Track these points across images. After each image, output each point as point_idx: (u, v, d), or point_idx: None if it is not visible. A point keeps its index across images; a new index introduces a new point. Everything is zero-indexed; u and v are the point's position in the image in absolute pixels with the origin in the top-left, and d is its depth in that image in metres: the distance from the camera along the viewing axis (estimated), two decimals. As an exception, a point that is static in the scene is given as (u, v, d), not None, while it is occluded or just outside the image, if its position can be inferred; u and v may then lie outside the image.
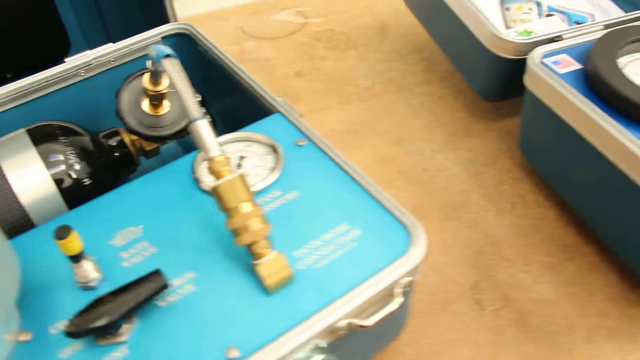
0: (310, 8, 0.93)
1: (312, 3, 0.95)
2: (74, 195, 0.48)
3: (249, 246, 0.36)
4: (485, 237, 0.57)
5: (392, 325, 0.44)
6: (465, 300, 0.52)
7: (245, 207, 0.35)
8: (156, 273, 0.35)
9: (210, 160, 0.36)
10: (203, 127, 0.36)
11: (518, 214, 0.59)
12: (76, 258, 0.36)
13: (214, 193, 0.36)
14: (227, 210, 0.35)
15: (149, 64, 0.45)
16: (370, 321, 0.36)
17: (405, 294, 0.38)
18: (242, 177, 0.35)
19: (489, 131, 0.69)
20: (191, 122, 0.36)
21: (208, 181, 0.42)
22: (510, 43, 0.58)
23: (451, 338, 0.49)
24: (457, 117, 0.71)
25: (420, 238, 0.38)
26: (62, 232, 0.34)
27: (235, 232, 0.35)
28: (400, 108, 0.73)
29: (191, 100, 0.36)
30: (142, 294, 0.34)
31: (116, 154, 0.53)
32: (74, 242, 0.35)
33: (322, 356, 0.35)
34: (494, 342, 0.49)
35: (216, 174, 0.35)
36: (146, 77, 0.47)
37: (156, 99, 0.49)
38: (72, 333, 0.33)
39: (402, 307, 0.40)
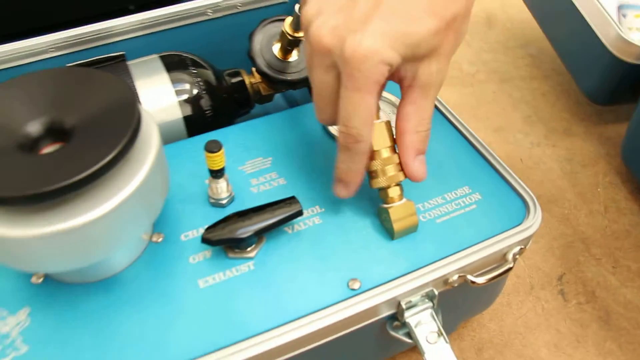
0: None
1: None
2: (194, 123, 0.51)
3: (382, 190, 0.37)
4: (575, 234, 0.58)
5: (489, 294, 0.46)
6: (550, 288, 0.53)
7: (385, 153, 0.37)
8: (292, 199, 0.37)
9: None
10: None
11: (610, 218, 0.59)
12: (218, 173, 0.38)
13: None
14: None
15: (297, 7, 0.46)
16: (482, 279, 0.37)
17: (515, 262, 0.39)
18: (388, 124, 0.37)
19: (589, 134, 0.69)
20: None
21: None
22: (636, 47, 0.58)
23: (533, 321, 0.51)
24: (558, 115, 0.71)
25: (536, 212, 0.40)
26: (213, 146, 0.36)
27: (372, 174, 0.37)
28: (502, 98, 0.74)
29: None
30: (277, 216, 0.37)
31: (235, 93, 0.56)
32: (221, 158, 0.37)
33: (431, 304, 0.37)
34: (576, 333, 0.50)
35: (365, 116, 0.37)
36: (288, 22, 0.49)
37: (291, 45, 0.51)
38: (209, 240, 0.36)
39: (502, 278, 0.41)
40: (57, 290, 0.36)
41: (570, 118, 0.71)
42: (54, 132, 0.33)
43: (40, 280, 0.36)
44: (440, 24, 0.32)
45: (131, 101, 0.33)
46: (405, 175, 0.37)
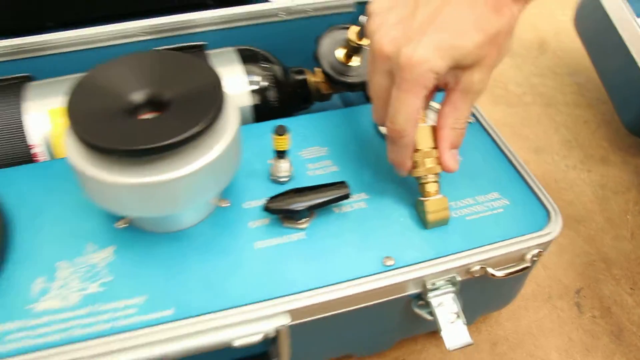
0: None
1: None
2: (261, 111, 0.57)
3: (421, 184, 0.43)
4: (598, 254, 0.62)
5: (506, 291, 0.50)
6: (567, 299, 0.57)
7: (427, 148, 0.42)
8: (342, 183, 0.43)
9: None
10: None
11: (636, 244, 0.63)
12: (282, 154, 0.44)
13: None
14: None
15: (363, 19, 0.52)
16: (500, 273, 0.42)
17: (532, 264, 0.44)
18: (432, 128, 0.42)
19: (625, 164, 0.73)
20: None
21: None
22: (674, 86, 0.62)
23: (547, 326, 0.55)
24: (597, 143, 0.75)
25: (557, 221, 0.44)
26: (281, 130, 0.43)
27: (414, 165, 0.43)
28: (544, 121, 0.78)
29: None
30: (328, 196, 0.42)
31: (298, 90, 0.62)
32: (287, 140, 0.43)
33: (454, 289, 0.42)
34: (587, 343, 0.54)
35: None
36: (353, 30, 0.55)
37: (354, 51, 0.57)
38: (269, 209, 0.42)
39: (522, 275, 0.46)
40: (138, 235, 0.43)
41: (608, 147, 0.75)
42: (153, 103, 0.40)
43: (124, 225, 0.43)
44: (484, 38, 0.37)
45: (218, 84, 0.39)
46: (441, 167, 0.42)
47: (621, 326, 0.55)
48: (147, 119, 0.39)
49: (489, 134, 0.51)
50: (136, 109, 0.40)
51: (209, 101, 0.38)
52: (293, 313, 0.39)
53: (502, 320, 0.55)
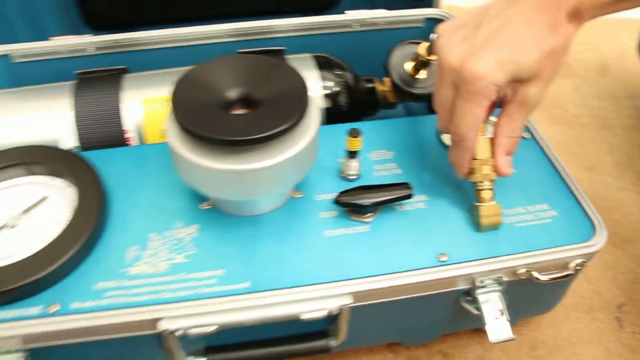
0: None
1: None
2: (331, 114, 0.63)
3: (477, 190, 0.47)
4: (642, 273, 0.65)
5: (548, 297, 0.54)
6: (608, 313, 0.60)
7: (485, 156, 0.46)
8: (406, 184, 0.48)
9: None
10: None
11: (679, 267, 0.66)
12: (354, 154, 0.49)
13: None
14: (472, 160, 0.47)
15: (433, 36, 0.57)
16: (544, 277, 0.46)
17: (575, 273, 0.48)
18: (490, 140, 0.47)
19: (676, 189, 0.75)
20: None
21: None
22: None
23: (587, 336, 0.58)
24: (650, 168, 0.78)
25: (601, 235, 0.48)
26: (355, 132, 0.48)
27: (472, 171, 0.47)
28: (599, 142, 0.81)
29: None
30: (392, 194, 0.47)
31: (367, 96, 0.67)
32: (359, 143, 0.48)
33: (500, 288, 0.46)
34: (624, 356, 0.57)
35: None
36: (423, 46, 0.59)
37: (422, 65, 0.61)
38: (339, 202, 0.47)
39: (564, 283, 0.50)
40: (220, 216, 0.49)
41: (661, 172, 0.77)
42: (245, 100, 0.45)
43: (209, 207, 0.49)
44: (541, 55, 0.41)
45: (304, 87, 0.45)
46: (496, 173, 0.46)
47: (660, 343, 0.58)
48: (240, 114, 0.44)
49: (542, 150, 0.55)
50: (230, 104, 0.45)
51: (296, 102, 0.44)
52: (355, 295, 0.44)
53: (543, 326, 0.59)
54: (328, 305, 0.43)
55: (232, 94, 0.45)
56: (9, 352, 0.42)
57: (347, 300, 0.43)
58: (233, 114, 0.44)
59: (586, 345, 0.58)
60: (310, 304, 0.43)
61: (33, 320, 0.42)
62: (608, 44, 1.02)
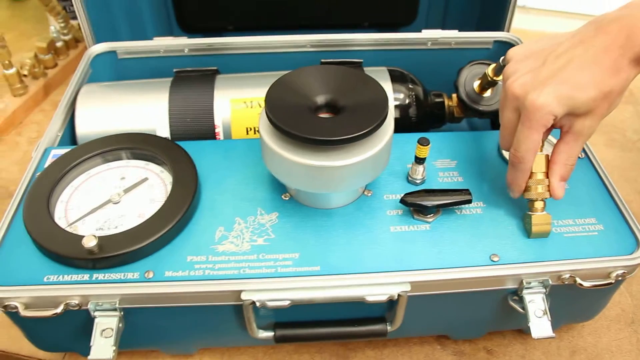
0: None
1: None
2: (401, 124, 0.68)
3: (531, 201, 0.52)
4: (685, 294, 0.68)
5: (590, 305, 0.58)
6: (648, 327, 0.64)
7: (540, 176, 0.51)
8: (466, 190, 0.53)
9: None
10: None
11: None
12: (421, 160, 0.55)
13: (525, 159, 0.53)
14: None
15: (502, 59, 0.62)
16: (587, 283, 0.51)
17: (616, 283, 0.52)
18: (547, 157, 0.52)
19: None
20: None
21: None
22: None
23: (626, 347, 0.62)
24: (703, 196, 0.81)
25: (643, 250, 0.52)
26: (424, 141, 0.54)
27: (527, 188, 0.52)
28: (655, 168, 0.84)
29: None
30: (453, 198, 0.53)
31: (435, 110, 0.72)
32: (427, 151, 0.54)
33: (545, 290, 0.51)
34: (659, 366, 0.61)
35: (532, 148, 0.52)
36: (491, 67, 0.65)
37: (489, 85, 0.66)
38: (405, 201, 0.53)
39: (606, 292, 0.54)
40: (297, 207, 0.55)
41: None
42: (331, 105, 0.52)
43: (287, 198, 0.56)
44: (599, 94, 0.46)
45: (385, 100, 0.51)
46: (550, 194, 0.51)
47: (696, 361, 0.62)
48: (325, 117, 0.51)
49: (595, 169, 0.60)
50: (317, 108, 0.52)
51: (376, 111, 0.50)
52: (413, 285, 0.49)
53: (584, 334, 0.63)
54: (389, 291, 0.49)
55: (319, 99, 0.52)
56: (109, 309, 0.49)
57: (406, 288, 0.49)
58: (319, 117, 0.51)
59: (625, 356, 0.61)
60: (374, 288, 0.49)
61: (131, 283, 0.49)
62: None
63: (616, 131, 0.90)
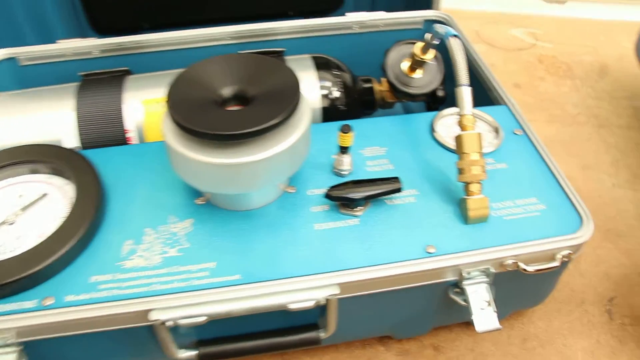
0: (543, 33, 1.03)
1: (547, 29, 1.04)
2: (329, 114, 0.64)
3: (466, 184, 0.48)
4: (635, 267, 0.65)
5: (537, 289, 0.55)
6: (600, 306, 0.61)
7: (474, 156, 0.48)
8: (396, 178, 0.49)
9: (462, 115, 0.49)
10: (466, 91, 0.49)
11: (673, 262, 0.66)
12: (345, 150, 0.51)
13: (457, 139, 0.49)
14: (461, 154, 0.48)
15: (428, 36, 0.58)
16: (531, 268, 0.47)
17: (562, 265, 0.49)
18: (479, 135, 0.48)
19: (672, 187, 0.76)
20: (460, 86, 0.49)
21: (442, 133, 0.56)
22: None
23: (577, 329, 0.59)
24: (646, 165, 0.79)
25: (588, 226, 0.49)
26: (347, 128, 0.49)
27: (460, 171, 0.48)
28: (596, 141, 0.82)
29: (464, 71, 0.49)
30: (382, 188, 0.48)
31: (364, 96, 0.68)
32: (350, 138, 0.50)
33: (487, 279, 0.47)
34: (613, 346, 0.58)
35: (464, 127, 0.48)
36: (418, 46, 0.60)
37: (417, 65, 0.62)
38: (330, 196, 0.48)
39: (553, 275, 0.51)
40: (214, 211, 0.50)
41: (657, 170, 0.78)
42: (239, 97, 0.47)
43: (203, 202, 0.51)
44: None
45: (296, 86, 0.46)
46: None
47: (651, 336, 0.59)
48: (233, 110, 0.46)
49: (534, 146, 0.56)
50: (225, 102, 0.47)
51: (287, 99, 0.45)
52: (342, 286, 0.45)
53: (535, 319, 0.60)
54: (315, 296, 0.44)
55: (226, 91, 0.47)
56: (4, 345, 0.43)
57: (335, 291, 0.44)
58: (226, 110, 0.46)
59: (576, 338, 0.58)
60: (298, 294, 0.44)
61: (27, 313, 0.43)
62: (607, 47, 1.02)
63: (556, 106, 0.88)
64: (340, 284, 0.45)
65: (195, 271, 0.46)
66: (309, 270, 0.45)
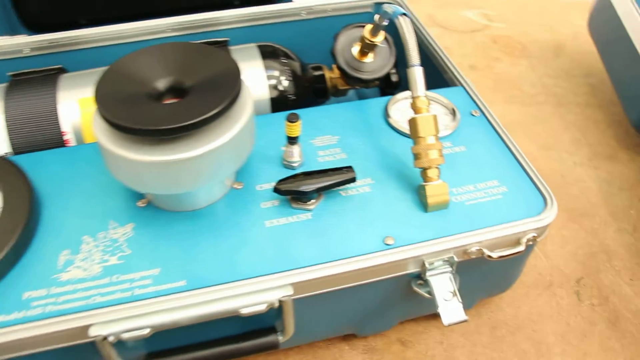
0: (496, 13, 1.02)
1: (500, 9, 1.03)
2: (278, 104, 0.61)
3: (423, 170, 0.46)
4: (600, 246, 0.64)
5: (504, 275, 0.53)
6: (567, 288, 0.59)
7: (430, 140, 0.45)
8: (349, 168, 0.46)
9: (415, 97, 0.46)
10: (417, 72, 0.46)
11: (637, 237, 0.65)
12: (294, 140, 0.47)
13: (411, 123, 0.46)
14: (416, 138, 0.46)
15: (376, 17, 0.55)
16: (496, 254, 0.45)
17: (528, 249, 0.46)
18: (435, 117, 0.45)
19: (632, 162, 0.74)
20: (411, 66, 0.46)
21: (396, 118, 0.53)
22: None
23: (547, 313, 0.57)
24: (606, 142, 0.77)
25: (552, 207, 0.47)
26: (293, 117, 0.46)
27: (417, 156, 0.46)
28: (555, 120, 0.80)
29: (415, 50, 0.46)
30: (335, 179, 0.45)
31: (315, 84, 0.65)
32: (298, 127, 0.46)
33: (451, 269, 0.45)
34: (584, 328, 0.56)
35: (417, 109, 0.46)
36: (367, 28, 0.58)
37: (368, 48, 0.59)
38: (279, 190, 0.45)
39: (519, 260, 0.49)
40: (156, 213, 0.46)
41: (616, 145, 0.77)
42: (175, 89, 0.43)
43: (144, 205, 0.47)
44: None
45: (236, 73, 0.43)
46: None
47: (618, 314, 0.57)
48: (170, 103, 0.42)
49: (492, 127, 0.54)
50: (160, 95, 0.43)
51: (227, 88, 0.41)
52: (296, 286, 0.42)
53: (503, 306, 0.57)
54: (267, 298, 0.41)
55: (161, 84, 0.43)
56: None
57: (288, 292, 0.41)
58: (161, 104, 0.42)
59: (546, 322, 0.56)
60: (249, 298, 0.41)
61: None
62: (561, 25, 1.01)
63: (514, 87, 0.86)
64: (294, 284, 0.42)
65: (138, 279, 0.42)
66: (260, 271, 0.42)
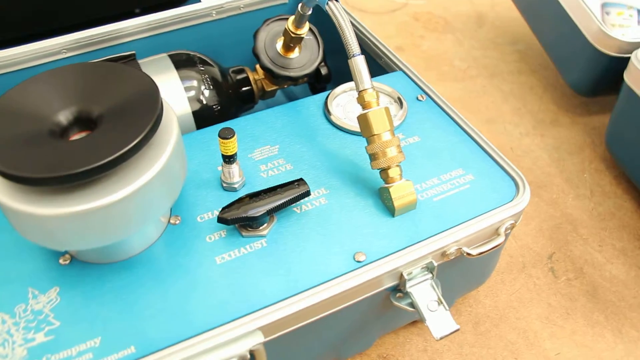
0: (411, -10, 0.98)
1: (413, -15, 0.99)
2: (202, 117, 0.54)
3: (383, 170, 0.40)
4: (563, 216, 0.61)
5: (483, 269, 0.49)
6: (541, 266, 0.56)
7: (386, 136, 0.40)
8: (300, 180, 0.40)
9: (362, 91, 0.41)
10: (361, 62, 0.41)
11: (596, 201, 0.63)
12: (231, 159, 0.41)
13: (361, 120, 0.41)
14: (369, 136, 0.40)
15: (300, 6, 0.49)
16: (476, 251, 0.40)
17: (506, 236, 0.42)
18: (387, 110, 0.40)
19: (575, 124, 0.72)
20: (352, 56, 0.41)
21: (338, 115, 0.48)
22: (615, 40, 0.61)
23: (526, 296, 0.54)
24: (546, 107, 0.75)
25: (525, 189, 0.43)
26: (227, 133, 0.40)
27: (373, 157, 0.40)
28: (492, 92, 0.77)
29: (353, 38, 0.41)
30: (287, 196, 0.40)
31: (240, 89, 0.59)
32: (234, 143, 0.40)
33: (431, 275, 0.40)
34: (566, 306, 0.53)
35: (366, 104, 0.40)
36: (290, 20, 0.52)
37: (293, 42, 0.54)
38: (224, 219, 0.39)
39: (497, 250, 0.44)
40: (84, 270, 0.39)
41: (557, 109, 0.75)
42: (82, 121, 0.36)
43: (68, 261, 0.39)
44: None
45: (154, 92, 0.36)
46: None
47: (595, 284, 0.55)
48: (78, 139, 0.35)
49: (442, 109, 0.49)
50: (65, 130, 0.36)
51: (145, 112, 0.35)
52: (265, 329, 0.36)
53: (481, 298, 0.54)
54: (236, 352, 0.35)
55: (63, 116, 0.36)
56: None
57: (257, 338, 0.35)
58: (67, 142, 0.35)
59: (527, 306, 0.53)
60: (214, 354, 0.34)
61: None
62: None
63: (444, 63, 0.83)
64: (262, 327, 0.35)
65: (76, 356, 0.35)
66: (219, 319, 0.36)
